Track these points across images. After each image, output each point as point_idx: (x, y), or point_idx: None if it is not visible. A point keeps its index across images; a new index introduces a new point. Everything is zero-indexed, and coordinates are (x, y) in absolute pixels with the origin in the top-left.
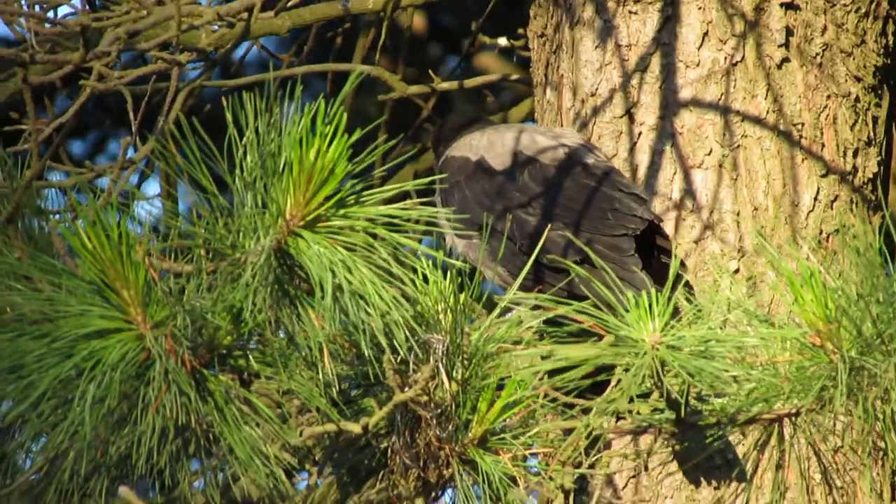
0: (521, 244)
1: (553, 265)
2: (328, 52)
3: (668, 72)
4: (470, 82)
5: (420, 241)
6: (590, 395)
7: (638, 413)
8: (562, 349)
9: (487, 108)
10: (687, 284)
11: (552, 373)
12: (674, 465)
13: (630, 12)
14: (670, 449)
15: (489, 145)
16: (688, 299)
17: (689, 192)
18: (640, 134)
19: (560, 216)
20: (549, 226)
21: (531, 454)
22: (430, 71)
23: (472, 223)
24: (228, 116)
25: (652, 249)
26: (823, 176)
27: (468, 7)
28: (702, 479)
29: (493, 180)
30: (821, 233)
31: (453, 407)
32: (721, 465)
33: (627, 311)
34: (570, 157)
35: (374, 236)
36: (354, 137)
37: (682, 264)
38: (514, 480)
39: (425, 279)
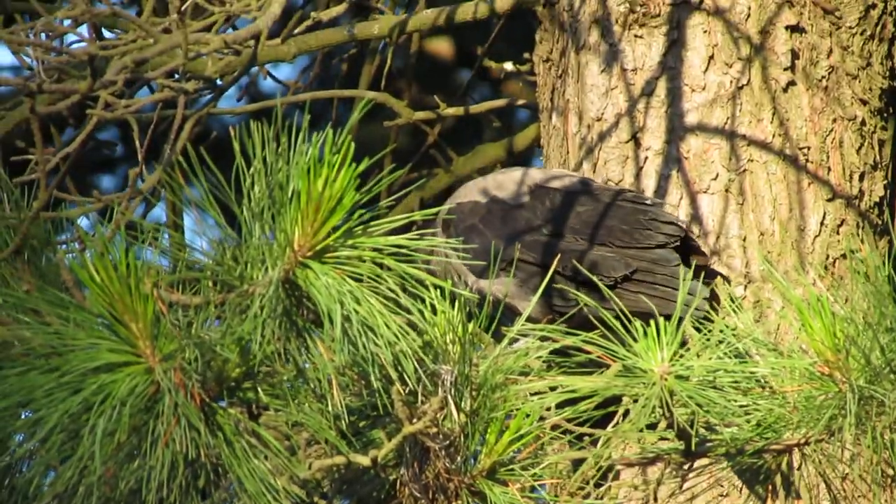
0: (563, 269)
1: (604, 283)
2: (334, 78)
3: (674, 96)
4: (475, 108)
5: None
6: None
7: (648, 443)
8: (570, 380)
9: (493, 133)
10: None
11: (561, 403)
12: (683, 496)
13: (636, 36)
14: (679, 479)
15: (498, 185)
16: (696, 328)
17: (695, 217)
18: (646, 159)
19: (598, 236)
20: (592, 246)
21: (540, 485)
22: (434, 96)
23: (495, 258)
24: (236, 146)
25: (687, 255)
26: (830, 200)
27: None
28: None
29: (512, 213)
30: (827, 258)
31: (462, 438)
32: (729, 494)
33: (636, 339)
34: (583, 184)
35: (382, 266)
36: (362, 167)
37: (712, 274)
38: None
39: (433, 309)
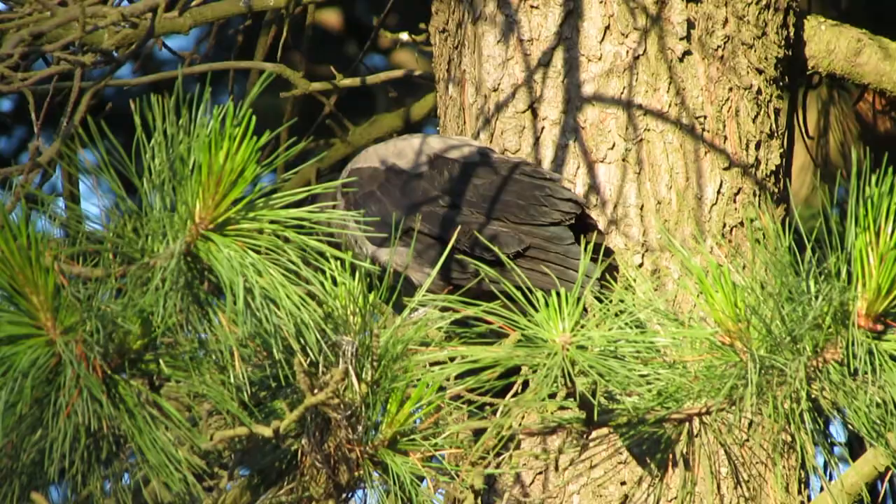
0: (458, 243)
1: (491, 259)
2: (229, 49)
3: (571, 66)
4: (372, 78)
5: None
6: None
7: (549, 413)
8: (471, 350)
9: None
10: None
11: (463, 373)
12: (583, 464)
13: (532, 7)
14: (579, 448)
15: (398, 153)
16: (598, 297)
17: (593, 186)
18: (543, 129)
19: (494, 211)
20: (489, 221)
21: (440, 454)
22: (332, 67)
23: (395, 229)
24: (136, 119)
25: (581, 232)
26: (726, 169)
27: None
28: (609, 475)
29: (410, 183)
30: (724, 226)
31: (363, 408)
32: (629, 462)
33: (537, 310)
34: (482, 154)
35: (283, 238)
36: (263, 140)
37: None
38: (424, 481)
39: (334, 281)
